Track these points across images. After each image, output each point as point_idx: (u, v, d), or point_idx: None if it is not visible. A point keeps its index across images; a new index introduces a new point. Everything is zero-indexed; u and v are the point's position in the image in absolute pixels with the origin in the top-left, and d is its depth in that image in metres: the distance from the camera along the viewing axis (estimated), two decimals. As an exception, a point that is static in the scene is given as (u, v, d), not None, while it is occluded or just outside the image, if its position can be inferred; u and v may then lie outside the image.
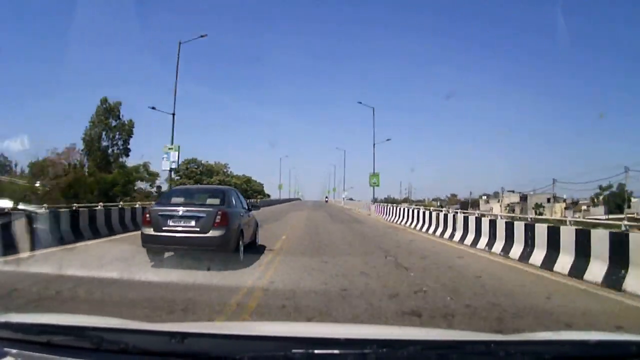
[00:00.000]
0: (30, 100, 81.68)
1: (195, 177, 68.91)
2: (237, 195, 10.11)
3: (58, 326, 1.70)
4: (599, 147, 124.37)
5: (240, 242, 8.72)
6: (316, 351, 1.41)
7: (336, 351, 1.43)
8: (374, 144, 37.40)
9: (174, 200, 9.01)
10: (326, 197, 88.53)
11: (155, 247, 8.31)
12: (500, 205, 76.94)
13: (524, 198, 78.73)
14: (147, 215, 8.29)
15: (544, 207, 68.41)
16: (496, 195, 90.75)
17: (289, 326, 3.05)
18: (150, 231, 8.12)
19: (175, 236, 7.99)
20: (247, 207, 10.47)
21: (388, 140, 49.46)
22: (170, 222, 8.03)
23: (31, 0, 70.79)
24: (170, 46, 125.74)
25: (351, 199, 61.51)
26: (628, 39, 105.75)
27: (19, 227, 9.30)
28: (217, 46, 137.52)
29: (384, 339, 1.58)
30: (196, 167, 72.88)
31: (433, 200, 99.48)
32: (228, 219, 8.17)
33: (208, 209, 8.22)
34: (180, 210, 8.18)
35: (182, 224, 8.01)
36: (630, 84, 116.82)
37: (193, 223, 8.01)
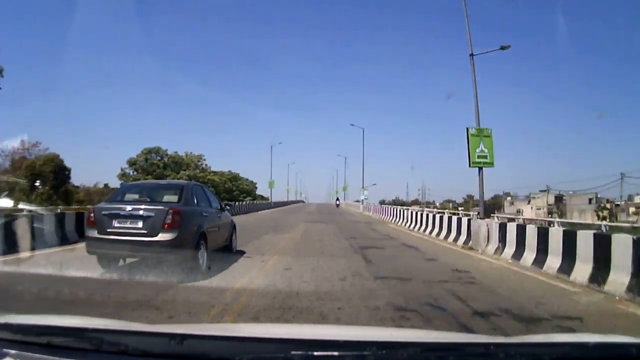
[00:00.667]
0: (30, 99, 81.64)
1: (156, 171, 54.87)
2: (204, 192, 8.78)
3: (58, 327, 1.70)
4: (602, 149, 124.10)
5: (203, 249, 7.48)
6: (315, 353, 1.42)
7: (335, 353, 1.43)
8: (471, 55, 15.11)
9: (127, 197, 7.79)
10: (337, 200, 64.23)
11: (100, 253, 7.17)
12: (532, 207, 67.03)
13: (559, 199, 68.04)
14: (92, 215, 7.19)
15: (608, 209, 55.01)
16: (506, 194, 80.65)
17: (289, 328, 3.05)
18: (94, 233, 6.99)
19: (119, 239, 6.81)
20: (220, 207, 9.25)
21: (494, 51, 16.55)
22: (116, 223, 6.89)
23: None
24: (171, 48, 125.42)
25: (358, 201, 50.31)
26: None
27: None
28: (217, 47, 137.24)
29: (383, 341, 1.58)
30: (159, 158, 58.18)
31: (444, 201, 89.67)
32: (182, 220, 6.96)
33: (158, 207, 7.03)
34: (127, 208, 7.04)
35: (128, 224, 6.86)
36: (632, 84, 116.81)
37: (140, 224, 6.83)
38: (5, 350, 1.47)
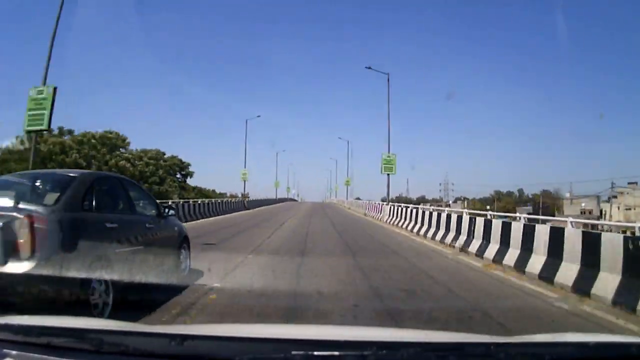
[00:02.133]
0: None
1: None
2: (121, 188, 5.69)
3: (58, 328, 1.70)
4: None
5: (100, 288, 4.42)
6: (315, 353, 1.41)
7: (336, 353, 1.43)
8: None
9: None
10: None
11: None
12: (618, 207, 55.89)
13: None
14: None
15: None
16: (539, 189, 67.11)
17: (289, 328, 3.05)
18: None
19: None
20: (158, 212, 6.22)
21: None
22: None
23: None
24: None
25: (358, 199, 42.31)
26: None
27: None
28: (216, 46, 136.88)
29: (384, 341, 1.58)
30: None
31: (459, 199, 79.48)
32: (50, 237, 4.05)
33: (7, 213, 3.95)
34: None
35: None
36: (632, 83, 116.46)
37: None
38: (5, 350, 1.47)
